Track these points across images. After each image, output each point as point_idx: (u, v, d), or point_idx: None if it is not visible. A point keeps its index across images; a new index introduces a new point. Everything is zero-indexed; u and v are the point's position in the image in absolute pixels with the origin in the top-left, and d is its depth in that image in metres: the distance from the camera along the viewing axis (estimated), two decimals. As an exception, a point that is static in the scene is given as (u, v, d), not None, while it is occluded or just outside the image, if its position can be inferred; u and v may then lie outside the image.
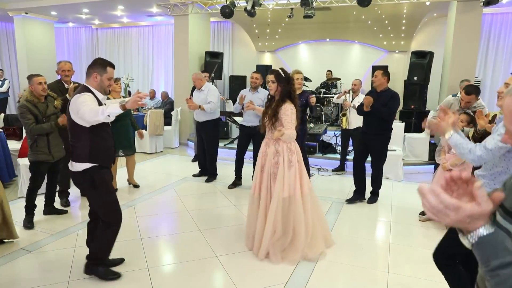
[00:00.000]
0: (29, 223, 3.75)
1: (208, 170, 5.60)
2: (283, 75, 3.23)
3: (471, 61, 6.72)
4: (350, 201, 4.69)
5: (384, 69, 4.43)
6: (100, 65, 2.62)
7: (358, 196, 4.70)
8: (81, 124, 2.51)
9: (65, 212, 4.17)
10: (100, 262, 2.82)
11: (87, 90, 2.57)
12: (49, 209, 4.10)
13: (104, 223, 2.73)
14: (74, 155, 2.60)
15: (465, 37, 6.66)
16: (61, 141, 3.94)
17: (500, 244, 0.84)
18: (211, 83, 6.50)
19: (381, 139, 4.47)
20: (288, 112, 3.12)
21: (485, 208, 0.84)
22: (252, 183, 3.37)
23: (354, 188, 4.81)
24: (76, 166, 2.60)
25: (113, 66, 2.69)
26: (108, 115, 2.41)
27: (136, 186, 5.22)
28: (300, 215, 3.14)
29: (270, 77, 3.24)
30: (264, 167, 3.23)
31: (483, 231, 0.85)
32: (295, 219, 3.15)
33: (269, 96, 3.42)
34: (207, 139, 5.48)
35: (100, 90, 2.64)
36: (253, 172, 3.69)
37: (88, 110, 2.41)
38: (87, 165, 2.59)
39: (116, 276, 2.81)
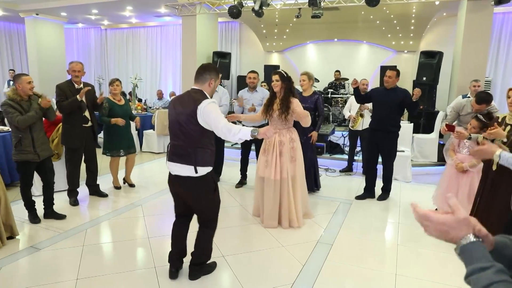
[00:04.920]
0: (35, 219, 3.80)
1: (215, 170, 5.62)
2: (285, 75, 3.77)
3: (481, 61, 6.63)
4: (359, 197, 4.78)
5: (396, 69, 4.52)
6: (216, 72, 2.67)
7: (368, 194, 4.78)
8: (208, 129, 2.52)
9: (64, 217, 3.95)
10: (204, 263, 2.88)
11: (206, 96, 2.57)
12: (49, 213, 3.96)
13: (206, 224, 2.76)
14: (198, 160, 2.53)
15: (475, 37, 6.58)
16: (47, 139, 3.91)
17: (477, 252, 0.84)
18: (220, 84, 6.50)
19: (391, 137, 4.52)
20: (299, 104, 3.71)
21: (459, 215, 0.87)
22: (270, 169, 3.78)
23: (361, 188, 4.91)
24: (200, 171, 2.56)
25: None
26: (239, 138, 2.42)
27: (132, 185, 5.23)
28: (305, 188, 4.04)
29: (275, 77, 3.77)
30: (282, 152, 3.75)
31: (464, 241, 0.86)
32: (303, 192, 3.96)
33: (271, 93, 3.90)
34: (221, 139, 5.47)
35: (210, 95, 2.65)
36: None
37: (224, 124, 2.42)
38: (209, 169, 2.61)
39: (215, 265, 2.99)
